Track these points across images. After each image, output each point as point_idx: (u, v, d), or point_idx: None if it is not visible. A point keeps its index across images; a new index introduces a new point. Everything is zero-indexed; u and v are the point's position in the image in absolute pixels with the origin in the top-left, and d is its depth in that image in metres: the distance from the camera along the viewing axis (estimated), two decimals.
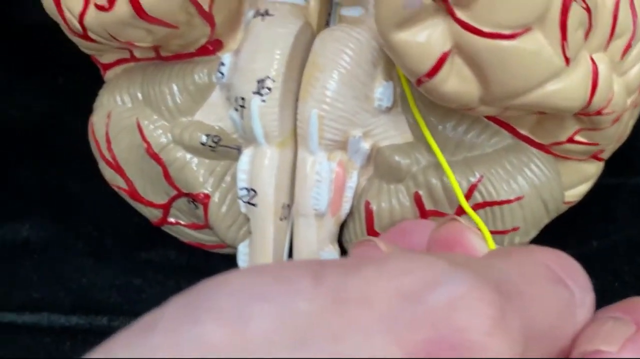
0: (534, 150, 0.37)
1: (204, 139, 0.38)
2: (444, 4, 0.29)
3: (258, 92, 0.35)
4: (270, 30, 0.36)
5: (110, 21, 0.33)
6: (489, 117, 0.36)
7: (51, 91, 0.53)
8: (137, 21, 0.33)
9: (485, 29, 0.30)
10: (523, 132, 0.37)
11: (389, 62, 0.37)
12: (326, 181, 0.36)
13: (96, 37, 0.35)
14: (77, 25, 0.34)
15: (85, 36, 0.35)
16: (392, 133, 0.37)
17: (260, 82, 0.35)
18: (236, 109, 0.36)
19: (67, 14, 0.34)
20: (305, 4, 0.37)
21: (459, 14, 0.30)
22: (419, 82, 0.31)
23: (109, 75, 0.42)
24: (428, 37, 0.30)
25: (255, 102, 0.35)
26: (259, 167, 0.36)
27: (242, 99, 0.36)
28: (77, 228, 0.47)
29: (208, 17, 0.35)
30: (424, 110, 0.37)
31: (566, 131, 0.35)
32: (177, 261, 0.45)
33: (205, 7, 0.35)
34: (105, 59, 0.42)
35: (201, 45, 0.38)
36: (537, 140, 0.37)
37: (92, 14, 0.34)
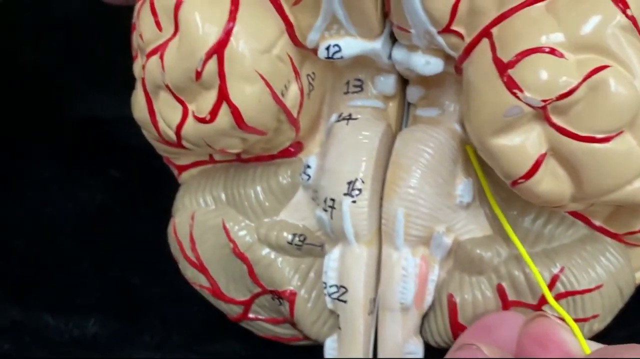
0: (608, 239, 0.38)
1: (290, 238, 0.39)
2: (542, 111, 0.31)
3: (349, 194, 0.37)
4: (355, 133, 0.38)
5: (209, 132, 0.34)
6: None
7: (105, 184, 0.54)
8: (236, 131, 0.34)
9: (581, 133, 0.31)
10: (597, 223, 0.38)
11: (467, 159, 0.38)
12: (412, 275, 0.37)
13: (188, 145, 0.36)
14: (172, 136, 0.36)
15: (178, 144, 0.37)
16: (472, 227, 0.39)
17: (350, 183, 0.37)
18: (325, 210, 0.37)
19: (162, 125, 0.36)
20: (385, 107, 0.39)
21: (555, 119, 0.31)
22: (515, 183, 0.33)
23: (184, 176, 0.43)
24: (525, 142, 0.32)
25: (346, 203, 0.36)
26: (350, 265, 0.37)
27: (332, 200, 0.37)
28: (141, 322, 0.48)
29: (295, 123, 0.37)
30: (502, 204, 0.38)
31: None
32: (243, 352, 0.47)
33: (294, 114, 0.36)
34: (181, 161, 0.43)
35: (284, 148, 0.39)
36: (611, 230, 0.38)
37: (190, 125, 0.35)
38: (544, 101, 0.30)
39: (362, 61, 0.37)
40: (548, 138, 0.31)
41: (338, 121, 0.38)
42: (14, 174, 0.53)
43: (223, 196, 0.40)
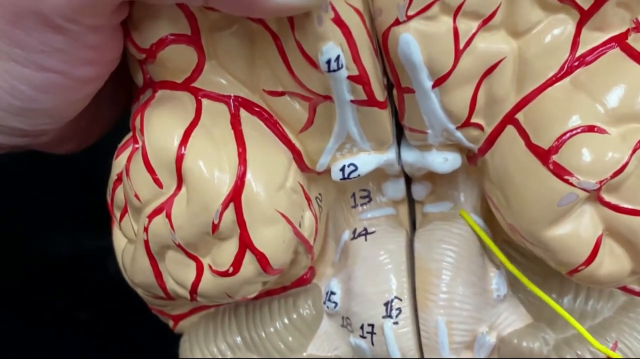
0: None
1: None
2: (596, 192, 0.28)
3: (388, 316, 0.33)
4: (378, 248, 0.34)
5: (232, 284, 0.30)
6: None
7: (74, 330, 0.48)
8: (262, 277, 0.30)
9: (637, 207, 0.28)
10: (636, 288, 0.35)
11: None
12: None
13: (203, 301, 0.32)
14: (185, 294, 0.31)
15: (191, 301, 0.32)
16: (513, 319, 0.35)
17: (387, 304, 0.33)
18: (363, 337, 0.33)
19: (172, 286, 0.31)
20: (396, 212, 0.35)
21: (608, 198, 0.28)
22: (575, 271, 0.29)
23: (182, 325, 0.38)
24: (579, 227, 0.29)
25: (388, 327, 0.33)
26: None
27: (371, 325, 0.33)
28: None
29: (311, 251, 0.33)
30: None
31: None
32: None
33: (312, 242, 0.32)
34: (177, 311, 0.38)
35: (298, 278, 0.35)
36: None
37: (209, 280, 0.30)
38: (599, 182, 0.27)
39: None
40: (602, 218, 0.28)
41: (354, 238, 0.34)
42: None
43: (239, 340, 0.36)
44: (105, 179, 0.32)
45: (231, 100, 0.30)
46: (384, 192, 0.35)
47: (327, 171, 0.32)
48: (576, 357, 0.35)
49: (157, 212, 0.29)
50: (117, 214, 0.33)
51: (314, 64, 0.27)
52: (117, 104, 0.36)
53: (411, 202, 0.36)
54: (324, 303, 0.35)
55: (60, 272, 0.47)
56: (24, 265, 0.49)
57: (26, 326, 0.48)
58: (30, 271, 0.49)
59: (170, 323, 0.39)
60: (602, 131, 0.27)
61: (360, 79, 0.27)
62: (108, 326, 0.48)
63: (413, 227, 0.37)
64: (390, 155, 0.31)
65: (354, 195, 0.35)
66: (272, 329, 0.35)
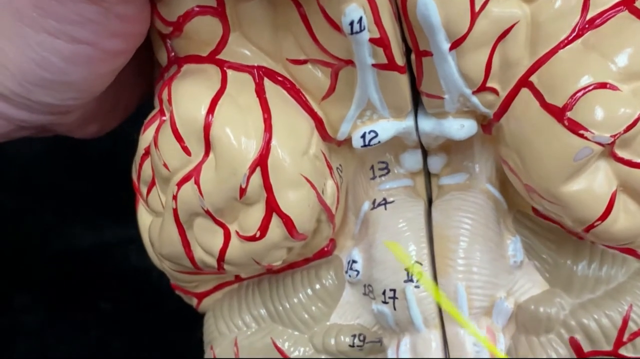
0: None
1: (350, 341, 0.35)
2: (609, 147, 0.28)
3: (410, 280, 0.33)
4: (397, 216, 0.35)
5: (258, 249, 0.31)
6: (612, 247, 0.35)
7: (98, 320, 0.49)
8: (288, 241, 0.31)
9: None
10: None
11: (508, 216, 0.36)
12: (483, 350, 0.34)
13: (230, 268, 0.32)
14: (213, 262, 0.32)
15: (218, 270, 0.33)
16: (529, 285, 0.36)
17: (409, 269, 0.33)
18: (385, 302, 0.34)
19: (200, 254, 0.32)
20: (414, 183, 0.36)
21: (621, 153, 0.29)
22: (590, 227, 0.30)
23: (206, 302, 0.39)
24: (593, 183, 0.29)
25: (410, 291, 0.33)
26: (423, 353, 0.34)
27: (393, 290, 0.33)
28: None
29: (333, 220, 0.33)
30: (554, 255, 0.35)
31: None
32: None
33: (334, 211, 0.33)
34: (200, 288, 0.39)
35: (319, 249, 0.35)
36: None
37: (236, 246, 0.31)
38: (613, 136, 0.28)
39: (385, 143, 0.33)
40: (616, 174, 0.29)
41: (374, 208, 0.35)
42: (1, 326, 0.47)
43: (264, 312, 0.36)
44: (126, 171, 0.33)
45: (255, 70, 0.31)
46: (402, 163, 0.35)
47: (347, 142, 0.33)
48: (593, 320, 0.34)
49: (185, 179, 0.30)
50: (144, 189, 0.33)
51: (337, 27, 0.28)
52: (139, 88, 0.37)
53: (427, 176, 0.37)
54: (346, 272, 0.35)
55: (83, 263, 0.47)
56: (48, 257, 0.50)
57: (50, 316, 0.48)
58: (54, 263, 0.49)
59: (194, 302, 0.39)
60: (614, 88, 0.28)
61: (381, 42, 0.28)
62: (130, 315, 0.48)
63: (429, 202, 0.37)
64: (408, 122, 0.32)
65: (372, 167, 0.35)
66: (295, 300, 0.36)
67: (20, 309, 0.50)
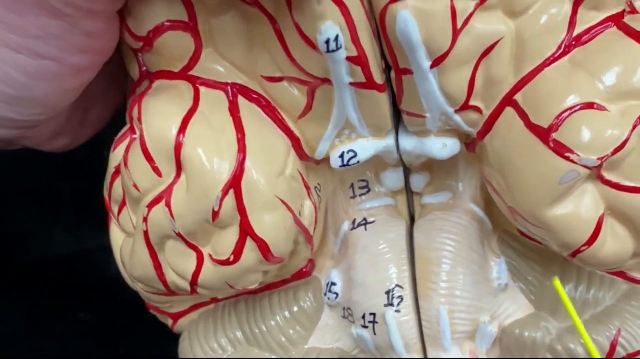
0: None
1: None
2: (596, 170, 0.27)
3: (390, 304, 0.32)
4: (378, 237, 0.33)
5: (233, 273, 0.30)
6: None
7: (75, 331, 0.48)
8: (263, 265, 0.29)
9: (639, 185, 0.27)
10: (634, 275, 0.34)
11: (493, 237, 0.34)
12: None
13: (204, 292, 0.31)
14: (185, 286, 0.30)
15: (192, 293, 0.32)
16: (514, 308, 0.35)
17: (389, 293, 0.32)
18: (365, 326, 0.32)
19: (173, 277, 0.30)
20: (395, 202, 0.35)
21: (608, 176, 0.28)
22: (577, 252, 0.29)
23: (182, 323, 0.38)
24: (582, 206, 0.28)
25: (390, 315, 0.32)
26: None
27: (373, 314, 0.32)
28: None
29: (311, 241, 0.32)
30: (540, 278, 0.34)
31: None
32: None
33: (312, 232, 0.31)
34: (176, 308, 0.37)
35: (298, 270, 0.34)
36: None
37: (209, 270, 0.30)
38: (600, 159, 0.26)
39: (366, 161, 0.32)
40: (604, 197, 0.28)
41: (354, 228, 0.33)
42: None
43: (240, 335, 0.35)
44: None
45: (229, 87, 0.29)
46: (383, 182, 0.34)
47: (326, 161, 0.32)
48: (580, 345, 0.33)
49: (156, 201, 0.29)
50: (115, 209, 0.32)
51: (312, 45, 0.26)
52: (110, 101, 0.36)
53: (409, 194, 0.36)
54: (325, 294, 0.34)
55: (63, 271, 0.46)
56: (26, 264, 0.49)
57: (28, 325, 0.47)
58: (33, 270, 0.48)
59: (170, 322, 0.38)
60: (601, 108, 0.27)
61: (359, 60, 0.27)
62: (110, 326, 0.47)
63: (412, 221, 0.36)
64: (389, 141, 0.31)
65: (352, 186, 0.34)
66: (273, 323, 0.35)
67: None
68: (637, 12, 0.29)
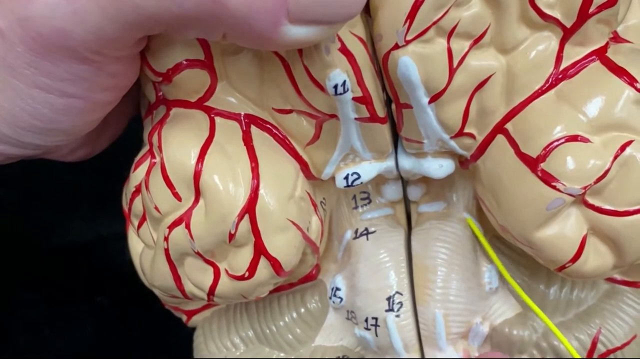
0: (626, 288, 0.37)
1: None
2: (581, 196, 0.29)
3: (391, 309, 0.34)
4: (379, 247, 0.35)
5: (247, 287, 0.32)
6: None
7: (93, 314, 0.49)
8: (275, 279, 0.32)
9: (619, 209, 0.30)
10: (619, 277, 0.36)
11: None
12: None
13: (219, 301, 0.33)
14: (203, 296, 0.32)
15: (208, 301, 0.34)
16: (503, 309, 0.37)
17: (390, 299, 0.34)
18: (367, 329, 0.34)
19: (191, 288, 0.32)
20: (394, 212, 0.37)
21: (592, 201, 0.30)
22: (562, 268, 0.31)
23: (195, 319, 0.40)
24: (567, 228, 0.30)
25: (390, 320, 0.34)
26: None
27: (375, 318, 0.34)
28: None
29: (318, 251, 0.34)
30: (527, 281, 0.36)
31: None
32: None
33: (318, 244, 0.34)
34: (190, 306, 0.39)
35: (305, 275, 0.36)
36: (629, 280, 0.37)
37: (225, 284, 0.32)
38: (584, 187, 0.28)
39: None
40: (587, 219, 0.30)
41: (356, 237, 0.35)
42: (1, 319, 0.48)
43: (252, 334, 0.37)
44: (125, 166, 0.33)
45: (242, 117, 0.31)
46: (383, 193, 0.36)
47: (331, 177, 0.34)
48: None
49: (176, 223, 0.31)
50: (135, 222, 0.34)
51: (321, 87, 0.28)
52: (126, 111, 0.37)
53: (407, 200, 0.38)
54: (330, 298, 0.36)
55: (81, 257, 0.47)
56: (46, 251, 0.50)
57: (49, 308, 0.48)
58: (52, 257, 0.50)
59: (184, 318, 0.40)
60: (585, 140, 0.29)
61: (363, 100, 0.29)
62: (127, 310, 0.48)
63: (408, 221, 0.38)
64: (389, 163, 0.33)
65: (354, 197, 0.36)
66: (281, 323, 0.37)
67: (19, 304, 0.50)
68: (621, 41, 0.30)
